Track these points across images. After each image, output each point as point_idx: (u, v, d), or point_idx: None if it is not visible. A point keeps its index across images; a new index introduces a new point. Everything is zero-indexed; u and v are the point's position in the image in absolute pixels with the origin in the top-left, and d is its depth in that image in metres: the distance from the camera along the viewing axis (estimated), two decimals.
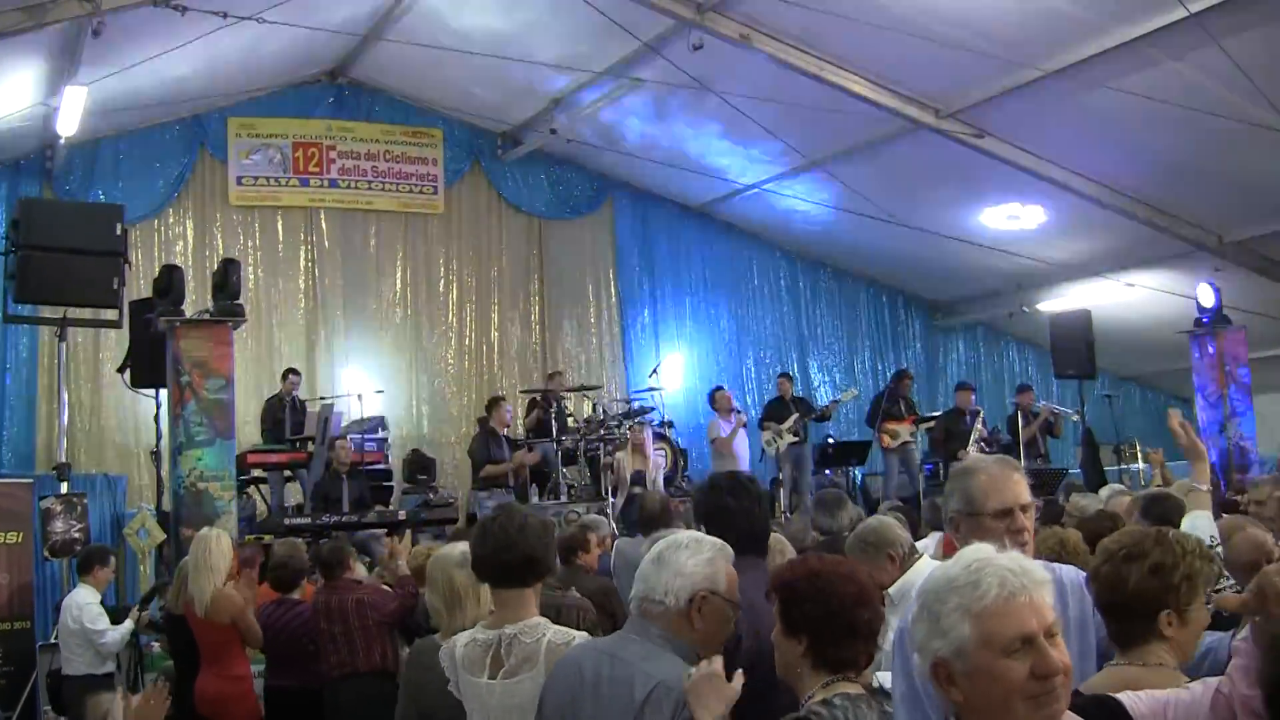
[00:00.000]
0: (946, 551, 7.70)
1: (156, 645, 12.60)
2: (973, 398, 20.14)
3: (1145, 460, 14.86)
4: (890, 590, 6.66)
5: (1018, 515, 4.13)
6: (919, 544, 8.28)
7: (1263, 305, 17.63)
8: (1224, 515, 6.54)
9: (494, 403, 18.51)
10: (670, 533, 4.88)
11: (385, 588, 9.98)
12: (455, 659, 5.07)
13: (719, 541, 4.49)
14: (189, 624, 9.65)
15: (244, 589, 9.76)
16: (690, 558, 4.35)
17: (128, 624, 11.55)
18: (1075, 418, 19.98)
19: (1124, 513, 8.35)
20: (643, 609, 4.37)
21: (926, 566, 6.93)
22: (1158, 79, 14.86)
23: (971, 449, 18.23)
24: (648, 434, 18.30)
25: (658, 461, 18.33)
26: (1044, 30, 14.94)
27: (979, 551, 2.92)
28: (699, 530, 5.18)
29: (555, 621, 5.10)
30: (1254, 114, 14.58)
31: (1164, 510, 6.94)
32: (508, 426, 18.56)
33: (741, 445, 19.24)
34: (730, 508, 5.13)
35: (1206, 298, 17.32)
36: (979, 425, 19.12)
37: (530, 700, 4.65)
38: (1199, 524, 5.28)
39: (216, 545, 9.59)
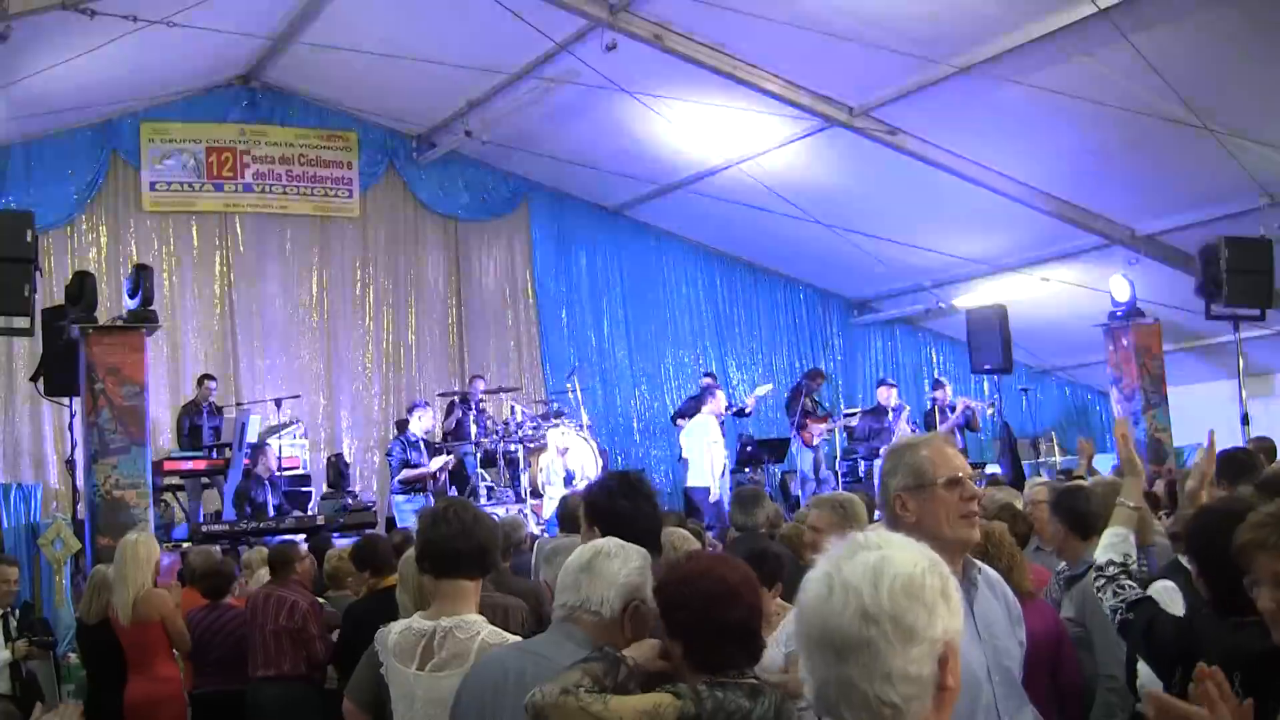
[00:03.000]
0: None
1: (74, 656, 12.46)
2: (895, 393, 20.33)
3: (1077, 452, 14.91)
4: None
5: (968, 484, 4.14)
6: None
7: (1176, 298, 17.76)
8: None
9: (414, 408, 18.44)
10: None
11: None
12: (387, 645, 5.03)
13: (642, 549, 4.48)
14: (113, 632, 9.58)
15: (172, 595, 9.72)
16: (622, 567, 4.31)
17: (5, 654, 11.32)
18: (990, 410, 20.14)
19: (1036, 504, 8.41)
20: (574, 617, 4.31)
21: None
22: (1068, 74, 14.98)
23: None
24: (570, 435, 18.30)
25: (583, 462, 18.32)
26: (954, 27, 15.04)
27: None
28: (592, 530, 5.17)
29: (504, 624, 5.10)
30: (1164, 108, 14.73)
31: (1074, 503, 6.98)
32: (428, 431, 18.47)
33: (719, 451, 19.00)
34: (621, 509, 5.13)
35: (1120, 291, 17.51)
36: (903, 423, 19.22)
37: (454, 695, 4.62)
38: (1116, 541, 5.31)
39: (143, 549, 9.52)
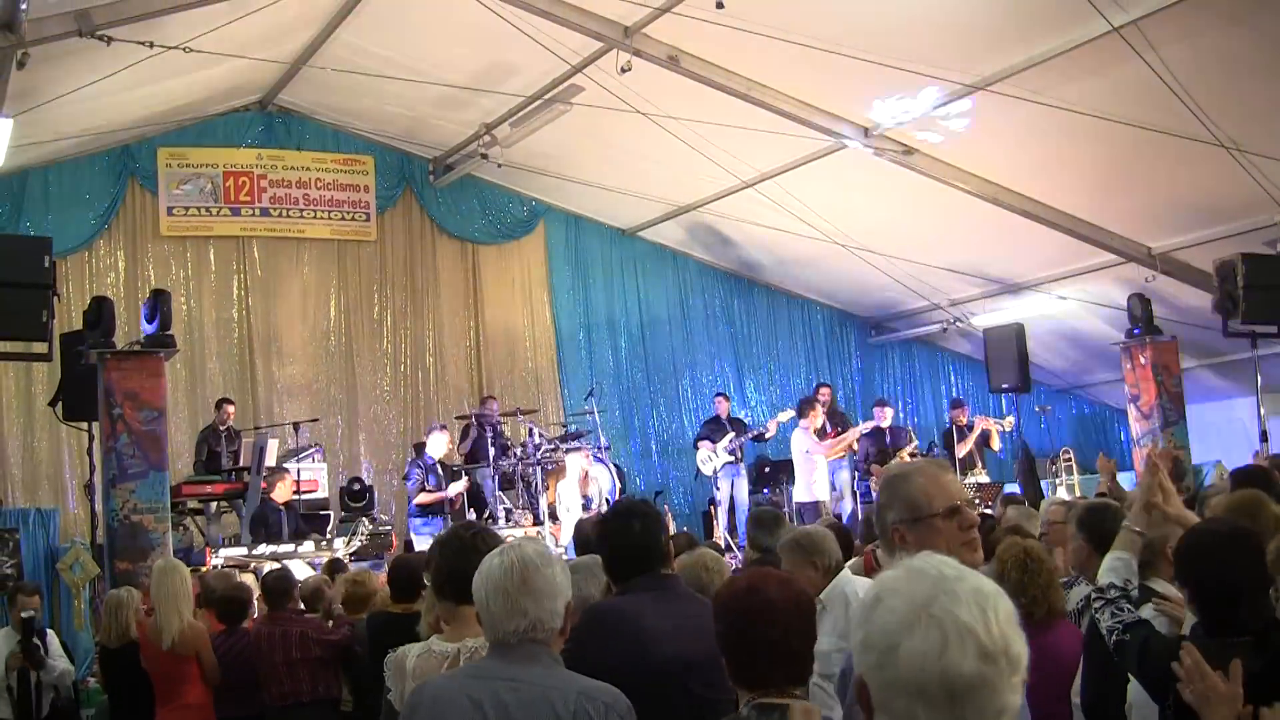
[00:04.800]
0: (867, 568, 7.77)
1: (93, 680, 12.46)
2: (888, 412, 20.34)
3: (1098, 469, 14.74)
4: (821, 596, 6.75)
5: (966, 511, 4.03)
6: (855, 560, 8.35)
7: (1194, 315, 17.75)
8: None
9: (432, 431, 18.42)
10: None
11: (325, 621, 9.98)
12: (406, 670, 4.97)
13: (552, 547, 4.48)
14: (136, 656, 9.60)
15: (201, 622, 9.74)
16: (554, 575, 4.25)
17: None
18: (1008, 426, 20.09)
19: (1053, 524, 8.38)
20: (530, 638, 4.20)
21: (848, 574, 7.04)
22: (1083, 91, 14.95)
23: None
24: (588, 458, 18.28)
25: (601, 484, 18.29)
26: (969, 45, 15.03)
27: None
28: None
29: None
30: (1178, 125, 14.70)
31: (1100, 522, 6.94)
32: (446, 454, 18.44)
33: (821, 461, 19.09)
34: (632, 532, 5.19)
35: (1137, 309, 17.46)
36: (904, 454, 19.09)
37: None
38: (1118, 565, 5.33)
39: (181, 578, 9.55)
